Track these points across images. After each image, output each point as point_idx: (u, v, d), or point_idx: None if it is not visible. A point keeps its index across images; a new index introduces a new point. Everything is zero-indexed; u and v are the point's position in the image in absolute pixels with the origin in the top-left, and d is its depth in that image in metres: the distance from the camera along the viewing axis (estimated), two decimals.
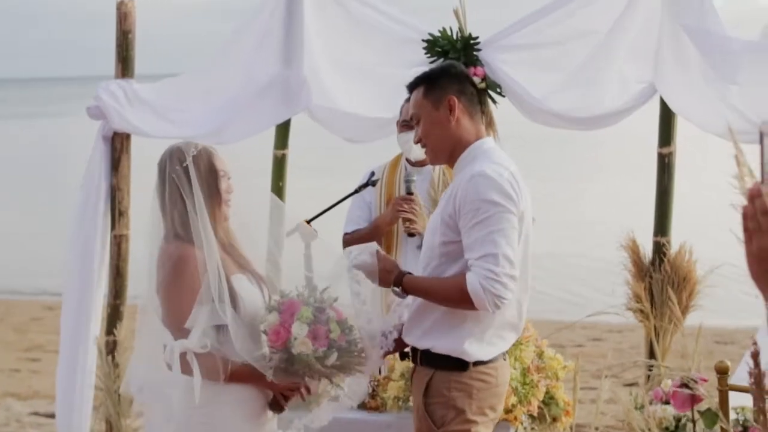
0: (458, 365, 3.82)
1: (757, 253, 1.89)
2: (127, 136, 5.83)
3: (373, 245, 3.98)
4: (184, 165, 3.83)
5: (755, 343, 2.09)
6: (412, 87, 4.02)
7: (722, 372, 3.82)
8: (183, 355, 3.71)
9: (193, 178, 3.82)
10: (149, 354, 3.92)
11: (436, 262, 3.84)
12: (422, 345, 3.88)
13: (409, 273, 3.89)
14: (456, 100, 3.89)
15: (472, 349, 3.81)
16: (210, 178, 3.87)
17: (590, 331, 11.94)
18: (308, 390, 3.85)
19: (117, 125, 5.69)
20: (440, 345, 3.84)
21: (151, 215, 3.91)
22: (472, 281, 3.65)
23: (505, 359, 3.97)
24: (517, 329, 4.00)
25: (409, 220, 5.00)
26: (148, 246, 3.90)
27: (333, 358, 3.69)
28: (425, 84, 3.96)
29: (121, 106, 5.65)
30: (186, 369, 3.71)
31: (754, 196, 1.88)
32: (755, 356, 2.01)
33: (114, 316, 5.79)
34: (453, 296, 3.73)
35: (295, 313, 3.69)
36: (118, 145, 5.80)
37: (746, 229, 1.90)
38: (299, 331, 3.65)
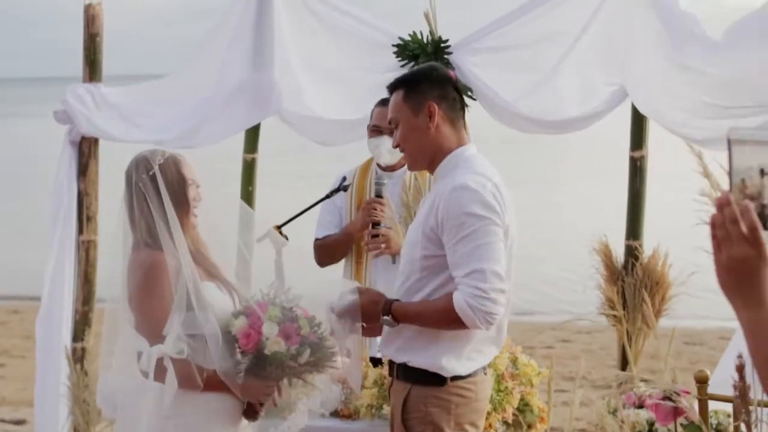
0: (435, 380, 3.74)
1: (726, 263, 1.86)
2: (95, 141, 5.77)
3: (352, 284, 3.93)
4: (151, 173, 3.78)
5: (740, 356, 2.06)
6: (391, 89, 3.91)
7: (702, 381, 3.80)
8: (159, 361, 3.66)
9: (160, 187, 3.77)
10: (120, 363, 3.86)
11: (417, 276, 3.76)
12: (399, 359, 3.81)
13: (397, 300, 3.80)
14: (436, 107, 3.78)
15: (450, 365, 3.73)
16: (178, 186, 3.82)
17: (559, 332, 11.94)
18: (280, 393, 3.80)
19: (85, 130, 5.64)
20: (417, 360, 3.76)
21: (120, 224, 3.86)
22: (459, 301, 3.58)
23: (485, 373, 3.88)
24: (498, 343, 3.92)
25: (380, 243, 4.95)
26: (117, 255, 3.84)
27: (306, 355, 3.64)
28: (405, 87, 3.85)
29: (89, 111, 5.61)
30: (160, 376, 3.66)
31: (722, 204, 1.85)
32: (740, 369, 1.98)
33: (82, 322, 5.72)
34: (444, 318, 3.65)
35: (264, 313, 3.64)
36: (85, 149, 5.75)
37: (715, 238, 1.87)
38: (270, 330, 3.60)
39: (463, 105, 3.92)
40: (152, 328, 3.71)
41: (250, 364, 3.60)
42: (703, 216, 3.45)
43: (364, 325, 3.79)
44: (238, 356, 3.62)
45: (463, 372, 3.75)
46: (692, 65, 5.19)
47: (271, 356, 3.60)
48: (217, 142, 5.85)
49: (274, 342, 3.60)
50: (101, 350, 4.08)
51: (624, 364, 5.74)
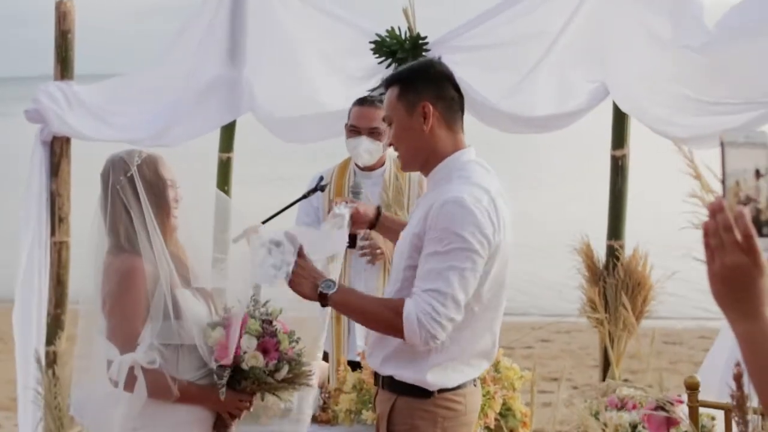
0: (421, 392, 3.58)
1: (719, 272, 1.77)
2: (67, 140, 5.68)
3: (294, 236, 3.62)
4: (129, 175, 3.65)
5: (738, 364, 1.97)
6: (386, 84, 3.73)
7: (692, 388, 3.72)
8: (131, 370, 3.54)
9: (139, 189, 3.64)
10: (91, 370, 3.74)
11: (398, 286, 3.59)
12: (384, 371, 3.65)
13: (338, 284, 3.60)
14: (431, 107, 3.56)
15: (435, 379, 3.56)
16: (157, 188, 3.69)
17: (538, 332, 11.91)
18: (251, 405, 3.71)
19: (56, 129, 5.56)
20: (402, 374, 3.59)
21: (94, 228, 3.73)
22: (410, 312, 3.40)
23: (476, 385, 3.72)
24: (490, 356, 3.75)
25: (375, 248, 4.86)
26: (91, 260, 3.72)
27: (284, 371, 3.56)
28: (399, 85, 3.65)
29: (61, 109, 5.52)
30: (130, 385, 3.55)
31: (715, 210, 1.76)
32: (738, 378, 1.90)
33: (54, 325, 5.62)
34: (384, 321, 3.48)
35: (242, 327, 3.53)
36: (57, 149, 5.66)
37: (708, 247, 1.78)
38: (248, 344, 3.51)
39: (462, 104, 3.70)
40: (125, 336, 3.59)
41: (227, 377, 3.51)
42: (690, 218, 3.40)
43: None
44: (214, 368, 3.52)
45: (450, 384, 3.59)
46: (681, 56, 5.09)
47: (248, 371, 3.50)
48: (190, 140, 5.75)
49: (252, 356, 3.50)
50: (75, 354, 3.97)
51: (606, 365, 5.67)
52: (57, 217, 5.62)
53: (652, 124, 5.35)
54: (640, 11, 5.24)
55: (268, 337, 3.56)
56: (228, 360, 3.50)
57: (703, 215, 1.78)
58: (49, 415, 5.22)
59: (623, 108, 5.50)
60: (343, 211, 3.92)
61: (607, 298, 5.57)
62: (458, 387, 3.60)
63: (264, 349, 3.53)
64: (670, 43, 5.13)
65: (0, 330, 8.80)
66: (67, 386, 4.92)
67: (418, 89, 3.60)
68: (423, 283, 3.43)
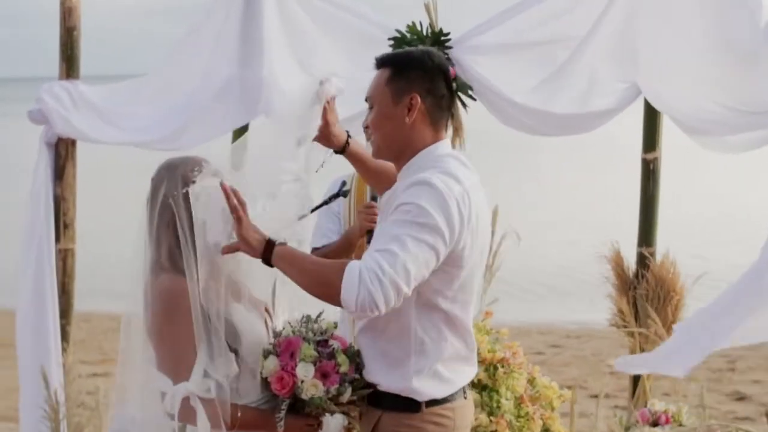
0: (409, 406, 3.34)
1: None
2: (73, 142, 5.48)
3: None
4: (186, 190, 3.33)
5: None
6: (379, 64, 3.51)
7: None
8: (185, 401, 3.26)
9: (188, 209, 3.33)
10: (143, 402, 3.41)
11: None
12: (368, 377, 3.39)
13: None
14: (419, 101, 3.37)
15: (423, 387, 3.33)
16: None
17: (548, 336, 11.77)
18: (321, 427, 3.44)
19: (61, 130, 5.35)
20: (387, 382, 3.36)
21: (140, 241, 3.40)
22: (354, 266, 3.12)
23: (466, 397, 3.48)
24: (469, 361, 3.50)
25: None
26: (135, 281, 3.38)
27: (347, 394, 3.31)
28: (392, 69, 3.44)
29: (66, 110, 5.32)
30: (186, 416, 3.27)
31: None
32: None
33: (60, 338, 5.36)
34: (324, 274, 3.18)
35: (296, 352, 3.27)
36: (62, 151, 5.45)
37: None
38: (305, 372, 3.25)
39: (452, 104, 3.53)
40: (176, 365, 3.29)
41: (287, 408, 3.26)
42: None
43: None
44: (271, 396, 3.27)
45: (439, 395, 3.36)
46: (726, 58, 4.86)
47: (309, 401, 3.24)
48: (202, 144, 5.50)
49: (311, 385, 3.24)
50: (116, 385, 3.63)
51: (636, 379, 5.44)
52: (62, 223, 5.42)
53: (686, 121, 5.11)
54: (682, 6, 4.99)
55: (325, 361, 3.30)
56: (286, 392, 3.25)
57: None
58: None
59: (657, 107, 5.26)
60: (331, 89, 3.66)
61: (638, 308, 5.33)
62: (447, 400, 3.39)
63: (323, 374, 3.28)
64: (714, 42, 4.89)
65: (2, 336, 8.53)
66: (74, 404, 4.64)
67: (410, 79, 3.41)
68: (376, 244, 3.19)
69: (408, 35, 5.42)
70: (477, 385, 3.91)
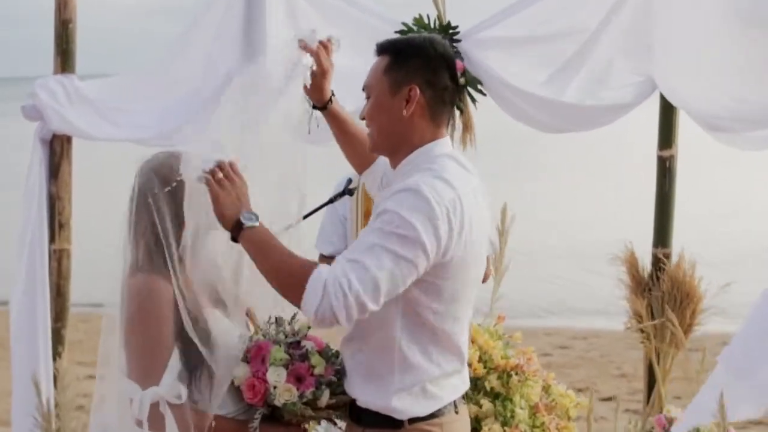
0: (390, 423, 3.13)
1: None
2: (68, 139, 5.30)
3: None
4: (169, 189, 3.18)
5: None
6: (379, 51, 3.31)
7: None
8: (154, 407, 3.08)
9: (171, 206, 3.18)
10: (116, 409, 3.25)
11: None
12: (347, 388, 3.19)
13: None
14: (418, 92, 3.16)
15: (405, 406, 3.12)
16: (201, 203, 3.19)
17: (554, 337, 11.66)
18: None
19: (56, 126, 5.18)
20: (366, 398, 3.15)
21: (119, 241, 3.24)
22: (322, 272, 2.95)
23: (457, 412, 3.25)
24: (460, 375, 3.28)
25: None
26: (115, 281, 3.21)
27: (325, 398, 3.11)
28: (391, 57, 3.23)
29: (61, 105, 5.15)
30: (156, 425, 3.08)
31: None
32: None
33: (55, 341, 5.21)
34: (290, 270, 3.01)
35: (266, 357, 3.09)
36: (57, 148, 5.27)
37: None
38: (277, 377, 3.06)
39: (455, 98, 3.30)
40: (146, 369, 3.11)
41: (261, 418, 3.07)
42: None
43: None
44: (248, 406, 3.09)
45: (421, 412, 3.14)
46: (754, 43, 4.69)
47: (283, 407, 3.06)
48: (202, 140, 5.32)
49: (284, 390, 3.06)
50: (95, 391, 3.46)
51: (651, 383, 5.27)
52: (57, 223, 5.24)
53: (701, 114, 4.94)
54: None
55: (298, 363, 3.11)
56: (258, 400, 3.06)
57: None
58: None
59: (673, 101, 5.10)
60: (308, 62, 3.48)
61: (653, 311, 5.15)
62: (434, 415, 3.17)
63: (297, 377, 3.10)
64: (733, 32, 4.72)
65: (0, 336, 8.36)
66: (68, 412, 4.44)
67: (410, 68, 3.19)
68: (350, 252, 3.01)
69: (415, 28, 5.25)
70: (490, 394, 3.75)
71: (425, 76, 3.18)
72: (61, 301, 5.25)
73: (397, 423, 3.12)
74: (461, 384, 3.28)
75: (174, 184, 3.16)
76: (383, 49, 3.28)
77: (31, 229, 5.13)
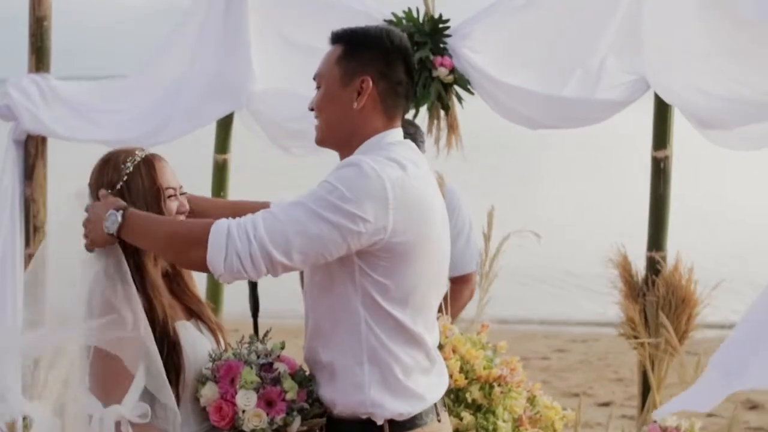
0: (370, 429, 2.97)
1: None
2: (43, 140, 5.24)
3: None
4: (119, 188, 3.03)
5: None
6: (333, 40, 3.12)
7: None
8: (116, 426, 2.92)
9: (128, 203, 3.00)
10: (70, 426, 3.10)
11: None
12: (321, 395, 3.02)
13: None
14: (371, 84, 3.01)
15: (384, 400, 2.95)
16: (151, 200, 3.05)
17: (553, 340, 11.56)
18: None
19: (29, 126, 5.11)
20: (342, 398, 2.97)
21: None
22: (224, 221, 2.82)
23: (440, 420, 3.07)
24: (434, 373, 3.10)
25: None
26: (81, 289, 3.02)
27: (297, 424, 2.94)
28: (345, 47, 3.07)
29: (35, 105, 5.10)
30: None
31: None
32: None
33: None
34: (187, 230, 2.87)
35: (236, 378, 2.93)
36: (32, 150, 5.21)
37: None
38: (246, 401, 2.90)
39: (409, 94, 3.13)
40: (109, 385, 2.95)
41: None
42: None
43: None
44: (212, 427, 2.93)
45: (405, 411, 2.96)
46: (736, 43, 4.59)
47: None
48: (185, 135, 5.28)
49: (253, 415, 2.89)
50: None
51: (645, 389, 5.14)
52: (32, 226, 5.18)
53: (697, 114, 4.82)
54: None
55: (270, 387, 2.95)
56: (226, 424, 2.91)
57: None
58: None
59: (665, 98, 4.98)
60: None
61: (648, 317, 5.01)
62: (415, 423, 3.00)
63: (267, 402, 2.93)
64: (723, 24, 4.62)
65: None
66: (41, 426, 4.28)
67: (363, 59, 3.03)
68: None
69: (404, 22, 5.13)
70: (471, 406, 3.59)
71: (379, 67, 3.04)
72: None
73: (377, 429, 2.95)
74: (439, 381, 3.12)
75: (119, 186, 3.03)
76: (338, 38, 3.11)
77: (4, 232, 5.04)
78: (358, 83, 3.00)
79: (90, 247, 2.98)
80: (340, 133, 3.05)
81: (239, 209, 3.19)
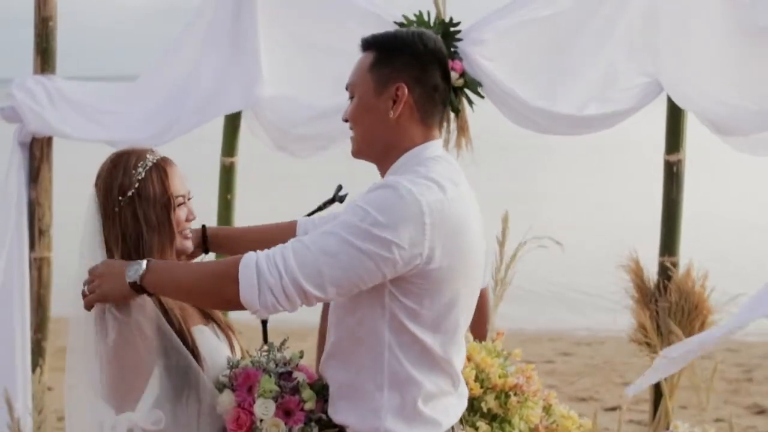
0: None
1: None
2: (48, 142, 5.16)
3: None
4: (130, 195, 2.96)
5: None
6: (364, 47, 3.00)
7: None
8: None
9: (139, 211, 2.96)
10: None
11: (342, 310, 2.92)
12: (335, 417, 2.92)
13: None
14: (406, 91, 2.88)
15: (399, 428, 2.85)
16: (161, 208, 2.99)
17: (557, 343, 11.49)
18: None
19: (34, 128, 5.03)
20: (355, 422, 2.88)
21: (87, 250, 3.00)
22: (253, 255, 2.71)
23: None
24: (455, 394, 3.01)
25: None
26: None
27: None
28: (377, 53, 2.94)
29: (40, 106, 5.02)
30: None
31: None
32: None
33: (35, 353, 5.04)
34: (216, 271, 2.76)
35: (254, 386, 2.87)
36: (37, 152, 5.14)
37: None
38: (264, 410, 2.84)
39: (446, 100, 3.01)
40: (122, 391, 2.89)
41: None
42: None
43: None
44: None
45: None
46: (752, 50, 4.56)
47: None
48: (192, 129, 5.23)
49: (271, 425, 2.84)
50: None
51: (657, 395, 5.10)
52: (37, 230, 5.10)
53: (710, 117, 4.77)
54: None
55: (288, 396, 2.90)
56: None
57: None
58: None
59: (681, 104, 4.94)
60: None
61: (659, 323, 4.96)
62: None
63: (285, 411, 2.87)
64: (739, 30, 4.59)
65: None
66: (49, 425, 4.24)
67: (397, 65, 2.91)
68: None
69: (415, 25, 5.09)
70: (487, 415, 3.53)
71: (413, 73, 2.91)
72: (42, 311, 5.11)
73: None
74: (458, 403, 3.03)
75: (130, 192, 2.96)
76: (368, 44, 2.98)
77: (9, 236, 4.98)
78: (392, 91, 2.88)
79: (89, 307, 2.87)
80: (377, 144, 2.93)
81: (267, 235, 3.15)
